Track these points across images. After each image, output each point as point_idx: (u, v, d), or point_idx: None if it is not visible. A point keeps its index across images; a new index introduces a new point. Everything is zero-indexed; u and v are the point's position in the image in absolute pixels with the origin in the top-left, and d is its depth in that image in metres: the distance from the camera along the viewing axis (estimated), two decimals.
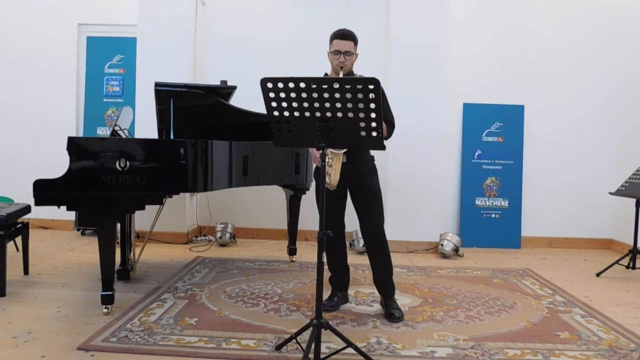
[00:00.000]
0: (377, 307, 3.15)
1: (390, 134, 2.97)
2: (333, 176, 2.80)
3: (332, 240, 3.04)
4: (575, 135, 5.15)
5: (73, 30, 5.29)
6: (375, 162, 3.06)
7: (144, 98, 4.46)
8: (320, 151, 2.31)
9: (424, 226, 4.78)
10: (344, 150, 2.78)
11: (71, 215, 5.10)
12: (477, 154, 5.14)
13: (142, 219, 4.38)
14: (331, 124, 2.22)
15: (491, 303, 3.30)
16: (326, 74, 2.99)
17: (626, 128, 5.04)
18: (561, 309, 3.22)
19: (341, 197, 3.02)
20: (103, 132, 5.23)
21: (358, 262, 4.18)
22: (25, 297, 3.19)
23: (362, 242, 4.55)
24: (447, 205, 5.12)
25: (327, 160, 2.77)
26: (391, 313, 2.95)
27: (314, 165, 3.29)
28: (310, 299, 3.24)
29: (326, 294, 3.10)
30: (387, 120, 2.93)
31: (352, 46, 2.88)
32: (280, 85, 2.19)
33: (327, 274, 3.19)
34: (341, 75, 2.81)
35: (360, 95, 2.13)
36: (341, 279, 3.19)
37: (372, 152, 3.04)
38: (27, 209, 3.54)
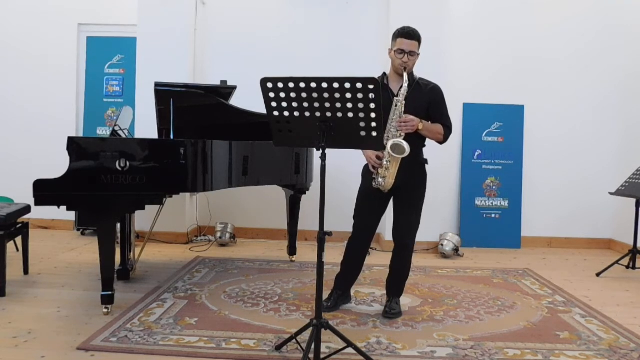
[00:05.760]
0: (377, 307, 3.15)
1: (446, 138, 2.96)
2: (388, 179, 2.80)
3: (362, 240, 3.04)
4: (575, 135, 5.15)
5: (73, 30, 5.29)
6: (426, 166, 3.03)
7: (144, 98, 4.45)
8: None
9: (423, 226, 4.71)
10: (404, 155, 2.70)
11: (71, 215, 5.10)
12: (477, 154, 5.14)
13: (142, 219, 4.38)
14: (331, 124, 2.22)
15: (491, 303, 3.30)
16: (384, 74, 2.98)
17: (626, 128, 5.04)
18: (561, 309, 3.22)
19: (385, 201, 3.01)
20: (103, 132, 5.24)
21: None
22: (25, 297, 3.19)
23: None
24: (447, 205, 5.12)
25: (384, 162, 2.78)
26: (389, 309, 2.98)
27: (317, 164, 3.15)
28: (310, 299, 3.24)
29: (326, 293, 3.09)
30: (444, 125, 2.93)
31: (417, 46, 2.82)
32: (280, 85, 2.19)
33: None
34: (405, 75, 2.77)
35: (360, 95, 2.14)
36: (352, 278, 3.17)
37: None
38: (27, 209, 3.54)
